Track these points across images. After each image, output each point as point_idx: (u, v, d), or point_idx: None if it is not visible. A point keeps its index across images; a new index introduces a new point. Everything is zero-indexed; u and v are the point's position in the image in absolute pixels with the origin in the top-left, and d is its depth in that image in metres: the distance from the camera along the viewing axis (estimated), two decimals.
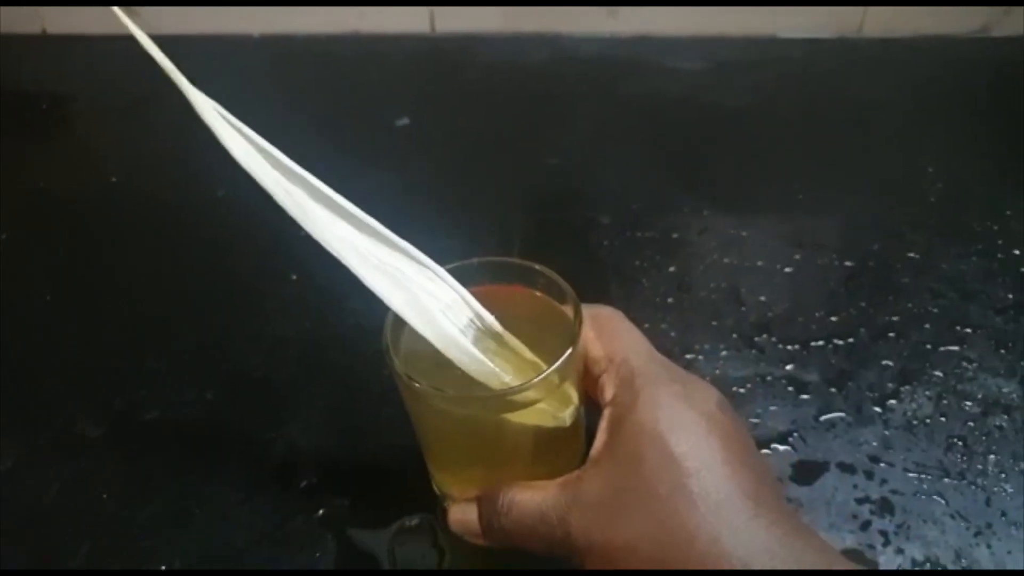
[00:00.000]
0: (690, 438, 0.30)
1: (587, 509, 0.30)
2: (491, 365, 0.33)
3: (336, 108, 0.73)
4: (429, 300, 0.33)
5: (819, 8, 0.77)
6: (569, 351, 0.32)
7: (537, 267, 0.36)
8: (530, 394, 0.32)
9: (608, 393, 0.33)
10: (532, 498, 0.32)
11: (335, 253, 0.32)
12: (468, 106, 0.73)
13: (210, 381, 0.48)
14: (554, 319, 0.36)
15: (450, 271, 0.34)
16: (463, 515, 0.35)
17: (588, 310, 0.35)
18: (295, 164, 0.32)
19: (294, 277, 0.54)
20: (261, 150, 0.32)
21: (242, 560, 0.39)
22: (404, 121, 0.69)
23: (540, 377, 0.32)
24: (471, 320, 0.34)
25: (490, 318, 0.34)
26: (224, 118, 0.32)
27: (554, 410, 0.34)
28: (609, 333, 0.34)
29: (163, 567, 0.38)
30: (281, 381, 0.48)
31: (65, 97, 0.76)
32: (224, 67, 0.80)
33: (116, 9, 0.32)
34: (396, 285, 0.32)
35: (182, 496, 0.42)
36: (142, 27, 0.32)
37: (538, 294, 0.37)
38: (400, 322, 0.33)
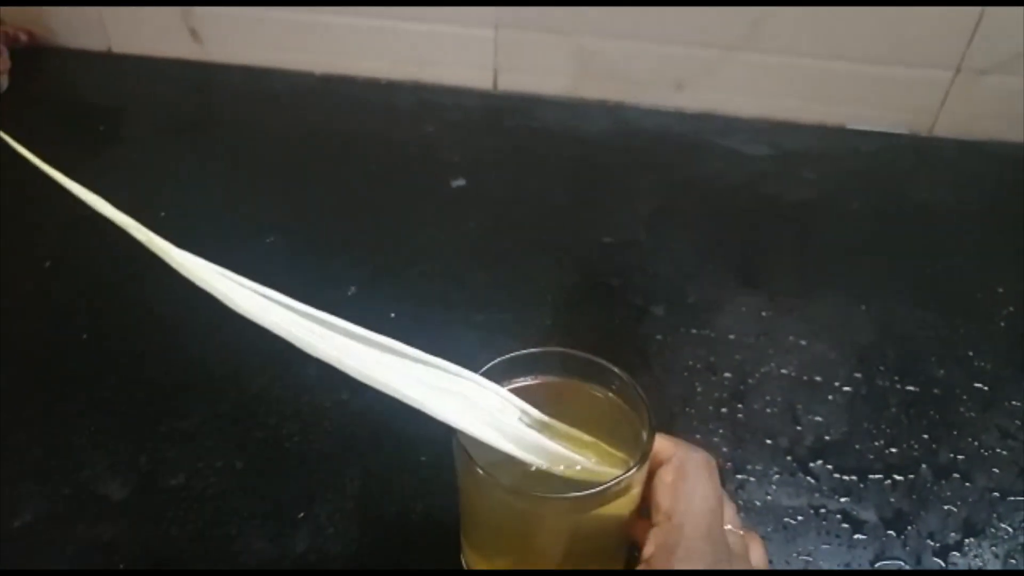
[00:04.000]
0: None
1: None
2: (573, 455, 0.34)
3: (393, 160, 0.72)
4: (491, 410, 0.33)
5: (893, 102, 0.76)
6: (652, 441, 0.33)
7: (574, 352, 0.36)
8: (625, 483, 0.32)
9: (648, 550, 0.32)
10: None
11: (389, 391, 0.32)
12: (525, 171, 0.71)
13: (240, 448, 0.46)
14: (596, 400, 0.36)
15: (484, 372, 0.34)
16: None
17: (683, 450, 0.34)
18: (318, 311, 0.32)
19: None
20: (282, 304, 0.32)
21: None
22: (460, 182, 0.68)
23: (639, 466, 0.32)
24: (519, 418, 0.34)
25: (535, 412, 0.35)
26: (228, 278, 0.31)
27: (637, 496, 0.34)
28: (685, 489, 0.33)
29: None
30: (313, 455, 0.46)
31: (121, 117, 0.76)
32: (282, 103, 0.80)
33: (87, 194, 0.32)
34: (459, 403, 0.32)
35: None
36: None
37: (573, 381, 0.37)
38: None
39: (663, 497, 0.33)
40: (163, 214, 0.63)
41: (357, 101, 0.80)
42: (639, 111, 0.78)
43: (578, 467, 0.34)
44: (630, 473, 0.32)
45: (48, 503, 0.43)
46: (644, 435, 0.34)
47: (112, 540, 0.42)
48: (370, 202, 0.67)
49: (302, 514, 0.43)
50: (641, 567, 0.32)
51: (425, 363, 0.32)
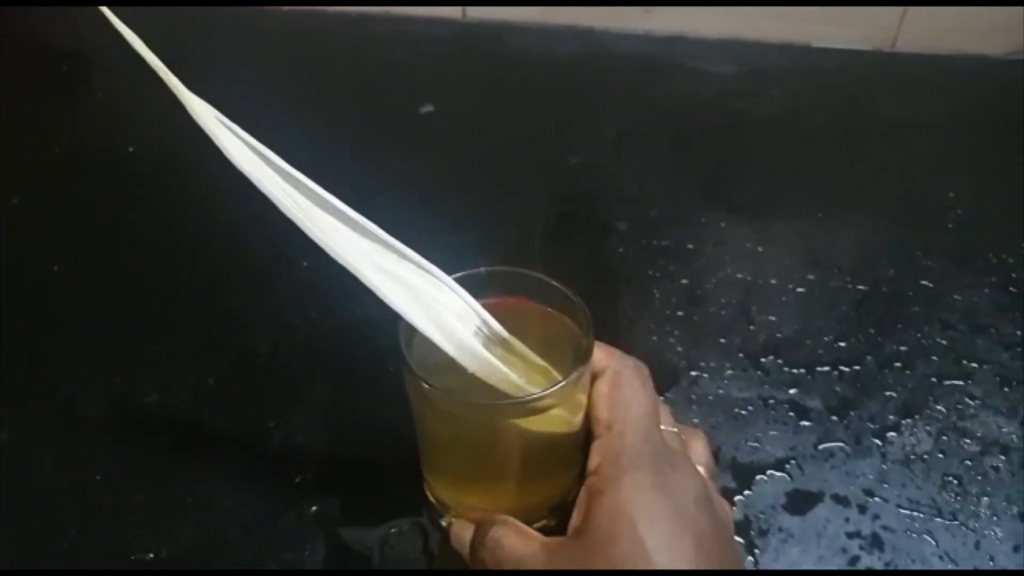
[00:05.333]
0: (663, 532, 0.30)
1: None
2: (505, 369, 0.34)
3: (362, 89, 0.73)
4: (441, 309, 0.33)
5: (855, 19, 0.76)
6: (582, 368, 0.33)
7: (541, 277, 0.36)
8: (549, 400, 0.33)
9: (593, 461, 0.33)
10: (515, 545, 0.32)
11: (346, 264, 0.32)
12: (494, 97, 0.72)
13: (212, 366, 0.48)
14: (558, 327, 0.36)
15: (456, 280, 0.34)
16: (461, 533, 0.35)
17: (617, 360, 0.35)
18: (301, 174, 0.32)
19: (305, 264, 0.54)
20: (267, 160, 0.32)
21: (231, 552, 0.39)
22: (428, 108, 0.69)
23: (562, 383, 0.32)
24: (478, 328, 0.34)
25: (496, 325, 0.35)
26: (227, 126, 0.32)
27: (568, 415, 0.35)
28: (622, 398, 0.34)
29: (150, 555, 0.39)
30: (284, 371, 0.48)
31: (91, 58, 0.76)
32: (251, 38, 0.81)
33: (105, 9, 0.32)
34: (409, 294, 0.33)
35: (175, 484, 0.42)
36: None
37: (541, 305, 0.37)
38: (412, 329, 0.33)
39: (601, 409, 0.34)
40: (131, 149, 0.65)
41: (328, 34, 0.80)
42: (609, 35, 0.79)
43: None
44: (563, 383, 0.32)
45: (25, 421, 0.45)
46: (584, 342, 0.34)
47: (87, 453, 0.44)
48: (339, 130, 0.68)
49: (273, 423, 0.45)
50: (589, 480, 0.32)
51: (401, 254, 0.33)
